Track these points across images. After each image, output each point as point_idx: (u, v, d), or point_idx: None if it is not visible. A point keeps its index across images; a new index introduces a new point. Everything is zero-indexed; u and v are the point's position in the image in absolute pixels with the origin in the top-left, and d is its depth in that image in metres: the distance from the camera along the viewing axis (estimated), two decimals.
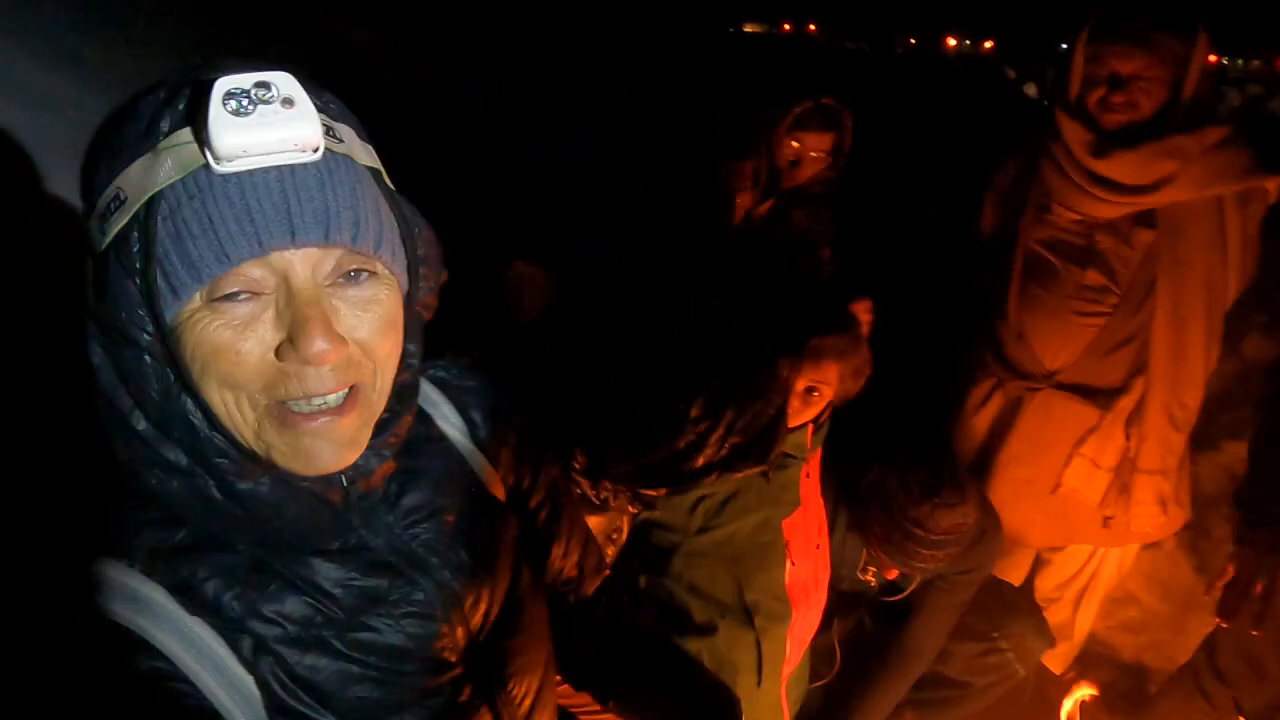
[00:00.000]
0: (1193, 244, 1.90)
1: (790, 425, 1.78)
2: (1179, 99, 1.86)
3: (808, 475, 1.87)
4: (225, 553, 0.76)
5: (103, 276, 0.68)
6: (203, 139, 0.62)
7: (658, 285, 2.05)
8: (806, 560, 1.90)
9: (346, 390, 0.71)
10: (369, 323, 0.71)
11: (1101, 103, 1.91)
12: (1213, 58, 1.95)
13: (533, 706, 0.97)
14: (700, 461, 1.74)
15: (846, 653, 2.19)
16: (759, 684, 1.80)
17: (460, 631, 0.87)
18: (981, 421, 2.25)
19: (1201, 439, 2.25)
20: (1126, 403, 2.05)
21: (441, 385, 0.98)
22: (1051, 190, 2.05)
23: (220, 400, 0.69)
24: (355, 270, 0.70)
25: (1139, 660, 2.64)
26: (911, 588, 2.03)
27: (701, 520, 1.76)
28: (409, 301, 0.77)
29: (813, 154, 2.22)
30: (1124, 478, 2.09)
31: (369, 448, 0.77)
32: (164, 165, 0.64)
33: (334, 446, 0.71)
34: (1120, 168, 1.90)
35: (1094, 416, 2.08)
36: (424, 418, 0.93)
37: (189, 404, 0.70)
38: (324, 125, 0.67)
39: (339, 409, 0.71)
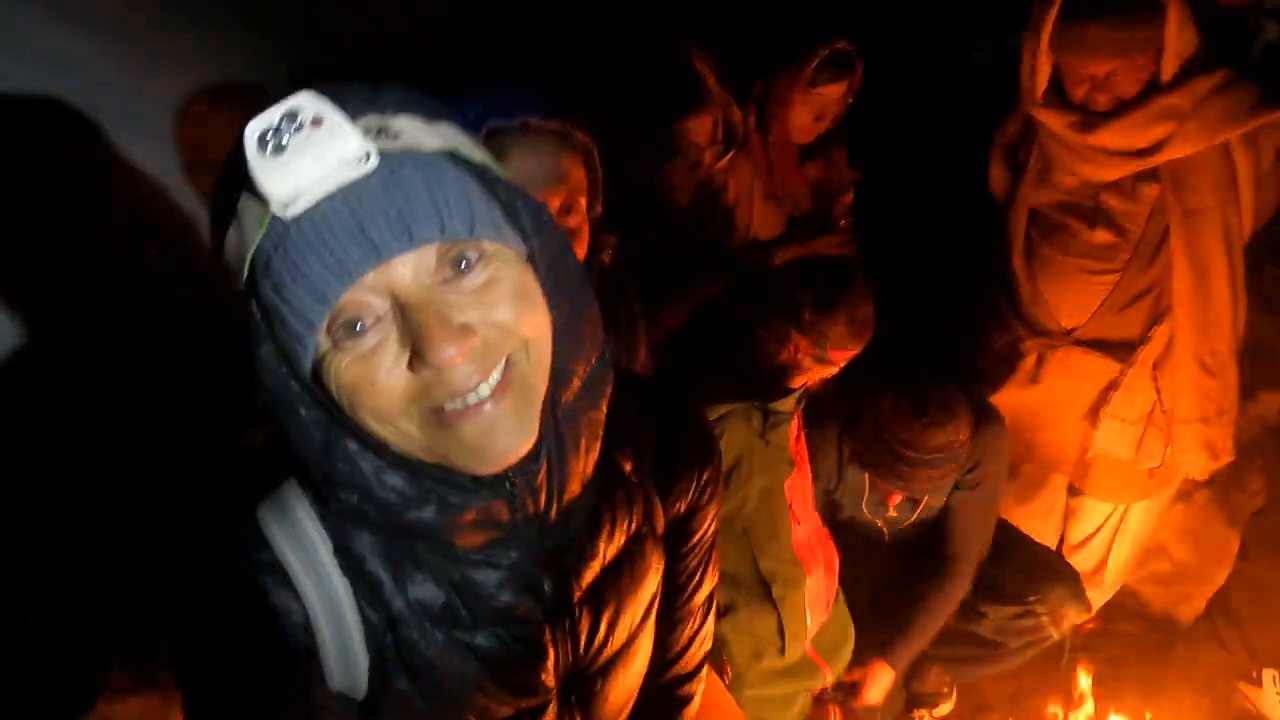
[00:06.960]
0: (1202, 192, 1.86)
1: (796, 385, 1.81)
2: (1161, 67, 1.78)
3: (796, 438, 1.90)
4: (389, 540, 0.78)
5: (252, 348, 0.69)
6: (258, 191, 0.60)
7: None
8: (809, 519, 1.94)
9: (498, 375, 0.68)
10: (496, 303, 0.67)
11: (1086, 97, 1.86)
12: None
13: None
14: None
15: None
16: (782, 652, 1.84)
17: (567, 662, 0.89)
18: (1008, 378, 2.26)
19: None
20: (1148, 353, 2.05)
21: (648, 411, 0.94)
22: (1050, 155, 2.02)
23: (382, 430, 0.68)
24: (460, 257, 0.66)
25: (1169, 613, 2.63)
26: (919, 512, 2.08)
27: None
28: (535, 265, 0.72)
29: (834, 105, 2.11)
30: (1158, 426, 2.08)
31: (540, 466, 0.75)
32: (246, 228, 0.64)
33: (501, 434, 0.69)
34: (1113, 136, 1.86)
35: (1115, 370, 2.09)
36: (621, 448, 0.88)
37: (352, 447, 0.71)
38: (372, 127, 0.63)
39: (492, 395, 0.68)
